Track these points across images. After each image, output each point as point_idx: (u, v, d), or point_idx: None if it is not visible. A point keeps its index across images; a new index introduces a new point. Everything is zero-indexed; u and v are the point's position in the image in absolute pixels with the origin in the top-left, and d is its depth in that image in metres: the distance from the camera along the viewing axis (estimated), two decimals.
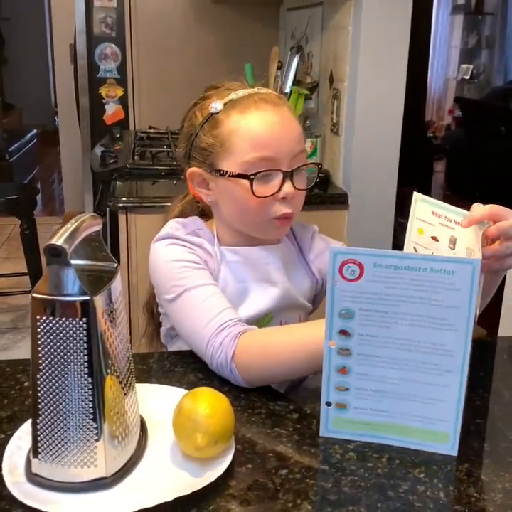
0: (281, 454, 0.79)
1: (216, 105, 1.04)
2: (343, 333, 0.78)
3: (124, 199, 2.02)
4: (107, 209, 2.15)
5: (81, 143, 3.51)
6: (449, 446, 0.79)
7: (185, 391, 0.84)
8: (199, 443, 0.73)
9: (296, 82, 2.24)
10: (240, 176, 1.01)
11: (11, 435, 0.79)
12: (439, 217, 0.87)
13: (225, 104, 1.04)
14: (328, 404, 0.81)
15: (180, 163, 1.14)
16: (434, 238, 0.88)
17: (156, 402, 0.86)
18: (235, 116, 1.03)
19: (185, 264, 1.03)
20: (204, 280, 1.02)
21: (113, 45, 3.28)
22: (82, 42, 3.29)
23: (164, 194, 2.05)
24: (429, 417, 0.79)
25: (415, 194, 0.90)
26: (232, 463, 0.75)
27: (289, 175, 1.02)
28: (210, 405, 0.75)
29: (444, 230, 0.86)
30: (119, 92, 3.34)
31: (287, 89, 2.20)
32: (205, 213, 1.16)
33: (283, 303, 1.11)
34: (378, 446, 0.80)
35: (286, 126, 1.03)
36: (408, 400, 0.79)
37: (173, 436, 0.77)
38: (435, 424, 0.79)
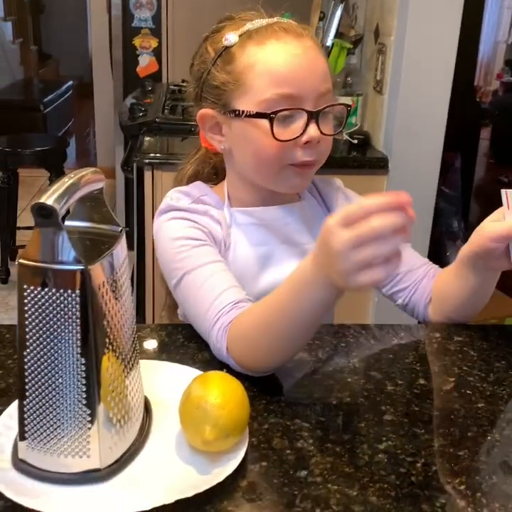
0: (301, 451, 0.69)
1: (230, 37, 0.92)
2: None
3: (151, 155, 1.92)
4: (134, 165, 2.06)
5: (113, 96, 3.41)
6: None
7: (198, 371, 0.76)
8: (207, 436, 0.64)
9: (338, 34, 2.11)
10: (259, 115, 0.89)
11: (1, 411, 0.71)
12: None
13: (240, 36, 0.92)
14: None
15: (192, 105, 1.02)
16: None
17: (164, 383, 0.77)
18: (251, 49, 0.91)
19: (182, 243, 0.93)
20: (203, 259, 0.91)
21: None
22: None
23: None
24: None
25: None
26: (244, 459, 0.66)
27: (315, 116, 0.90)
28: (221, 393, 0.66)
29: None
30: (154, 43, 3.22)
31: (329, 42, 2.07)
32: (217, 171, 1.06)
33: None
34: (413, 448, 0.70)
35: (311, 60, 0.91)
36: None
37: (180, 424, 0.68)
38: None
